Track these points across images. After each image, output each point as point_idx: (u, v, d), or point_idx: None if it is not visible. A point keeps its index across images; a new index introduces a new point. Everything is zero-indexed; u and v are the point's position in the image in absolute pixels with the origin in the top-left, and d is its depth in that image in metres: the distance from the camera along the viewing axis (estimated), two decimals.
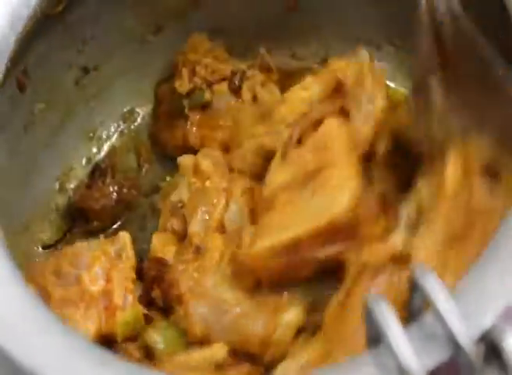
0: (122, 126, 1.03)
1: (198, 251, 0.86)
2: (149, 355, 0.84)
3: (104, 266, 0.85)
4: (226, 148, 0.94)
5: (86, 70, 0.98)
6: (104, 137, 1.03)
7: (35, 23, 0.85)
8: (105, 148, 1.02)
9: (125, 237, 0.88)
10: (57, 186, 0.99)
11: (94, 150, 1.02)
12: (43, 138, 0.96)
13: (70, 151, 1.00)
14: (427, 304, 0.61)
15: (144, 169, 1.01)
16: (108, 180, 0.96)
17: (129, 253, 0.87)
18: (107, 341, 0.84)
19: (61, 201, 0.99)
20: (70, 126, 0.99)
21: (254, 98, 0.95)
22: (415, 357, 0.59)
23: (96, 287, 0.84)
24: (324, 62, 1.03)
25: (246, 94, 0.96)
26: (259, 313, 0.82)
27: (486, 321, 0.61)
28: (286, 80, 0.98)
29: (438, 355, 0.61)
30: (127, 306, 0.84)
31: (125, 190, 0.96)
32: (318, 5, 1.00)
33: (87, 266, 0.84)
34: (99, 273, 0.84)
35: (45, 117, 0.95)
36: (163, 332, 0.85)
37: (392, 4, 0.96)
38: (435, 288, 0.59)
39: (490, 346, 0.59)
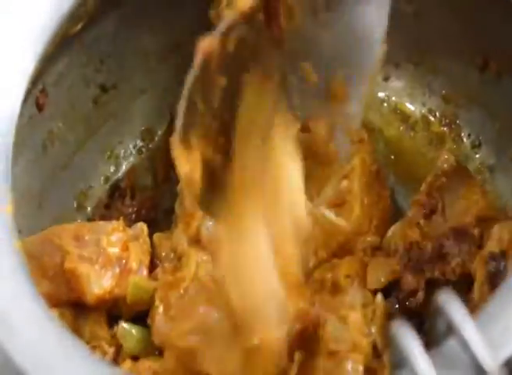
0: (140, 145, 1.03)
1: (179, 260, 0.87)
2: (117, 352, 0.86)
3: (122, 236, 0.87)
4: None
5: (104, 89, 0.98)
6: (122, 155, 1.03)
7: (55, 43, 0.85)
8: (123, 167, 1.02)
9: (142, 226, 0.91)
10: (75, 204, 0.99)
11: (112, 169, 1.02)
12: (61, 157, 0.96)
13: (88, 170, 1.00)
14: (449, 329, 0.61)
15: (161, 188, 1.01)
16: (127, 201, 0.96)
17: (146, 239, 0.90)
18: (114, 306, 0.87)
19: (80, 219, 0.99)
20: (88, 145, 0.99)
21: None
22: None
23: (113, 250, 0.86)
24: None
25: None
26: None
27: (510, 347, 0.61)
28: None
29: None
30: (141, 274, 0.87)
31: (143, 211, 0.97)
32: None
33: (107, 233, 0.87)
34: (117, 240, 0.87)
35: (64, 136, 0.95)
36: (134, 329, 0.86)
37: (411, 21, 0.96)
38: (459, 314, 0.59)
39: None
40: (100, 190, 1.01)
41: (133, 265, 0.87)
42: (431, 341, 0.63)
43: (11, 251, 0.73)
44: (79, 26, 0.89)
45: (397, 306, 0.83)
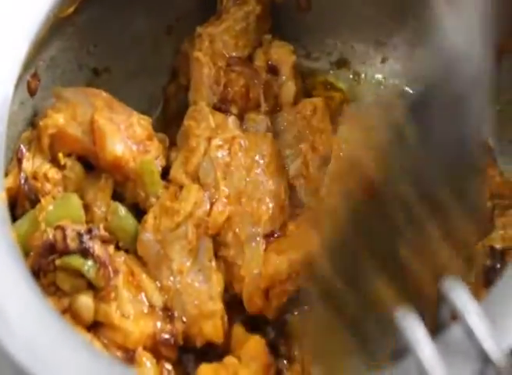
0: None
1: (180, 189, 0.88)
2: None
3: (149, 127, 0.90)
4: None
5: (97, 72, 0.97)
6: None
7: (47, 27, 0.84)
8: None
9: (166, 137, 0.94)
10: None
11: None
12: None
13: None
14: (454, 317, 0.61)
15: None
16: None
17: (165, 151, 0.92)
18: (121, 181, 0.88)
19: None
20: None
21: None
22: (444, 371, 0.58)
23: (139, 130, 0.89)
24: (339, 62, 1.03)
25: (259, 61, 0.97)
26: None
27: None
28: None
29: (467, 369, 0.60)
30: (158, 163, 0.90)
31: None
32: (333, 6, 0.99)
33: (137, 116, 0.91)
34: (145, 126, 0.90)
35: None
36: (125, 213, 0.88)
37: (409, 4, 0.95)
38: (464, 302, 0.59)
39: None
40: None
41: (152, 152, 0.89)
42: (436, 328, 0.62)
43: (5, 239, 0.72)
44: (71, 9, 0.88)
45: None
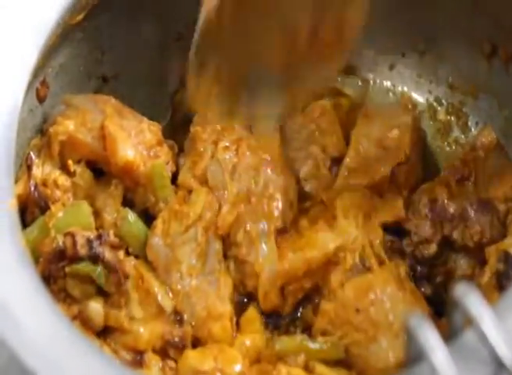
0: None
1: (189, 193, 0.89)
2: None
3: (158, 132, 0.92)
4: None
5: (105, 79, 0.97)
6: None
7: (56, 34, 0.84)
8: None
9: (175, 144, 0.94)
10: None
11: None
12: None
13: None
14: (467, 322, 0.61)
15: None
16: None
17: (174, 157, 0.93)
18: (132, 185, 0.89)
19: None
20: None
21: None
22: None
23: (149, 136, 0.90)
24: (347, 69, 1.03)
25: None
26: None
27: None
28: None
29: (480, 374, 0.60)
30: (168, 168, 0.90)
31: None
32: None
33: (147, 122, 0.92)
34: (155, 132, 0.91)
35: None
36: (134, 218, 0.88)
37: (416, 9, 0.95)
38: (478, 307, 0.58)
39: None
40: None
41: (162, 158, 0.90)
42: (449, 334, 0.62)
43: (15, 246, 0.72)
44: (80, 16, 0.88)
45: (410, 250, 0.86)
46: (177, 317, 0.84)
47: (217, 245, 0.86)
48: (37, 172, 0.86)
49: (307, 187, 0.92)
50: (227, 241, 0.87)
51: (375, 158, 0.91)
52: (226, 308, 0.84)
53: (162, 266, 0.85)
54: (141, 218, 0.89)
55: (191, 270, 0.85)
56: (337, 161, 0.93)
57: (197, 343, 0.84)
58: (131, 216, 0.88)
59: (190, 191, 0.89)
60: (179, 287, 0.84)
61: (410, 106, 0.96)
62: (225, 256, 0.87)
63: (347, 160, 0.92)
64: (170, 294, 0.84)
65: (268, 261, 0.85)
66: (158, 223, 0.86)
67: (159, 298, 0.83)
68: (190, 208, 0.87)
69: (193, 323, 0.83)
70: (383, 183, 0.90)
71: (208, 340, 0.83)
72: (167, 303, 0.83)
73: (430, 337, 0.59)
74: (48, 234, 0.83)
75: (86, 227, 0.84)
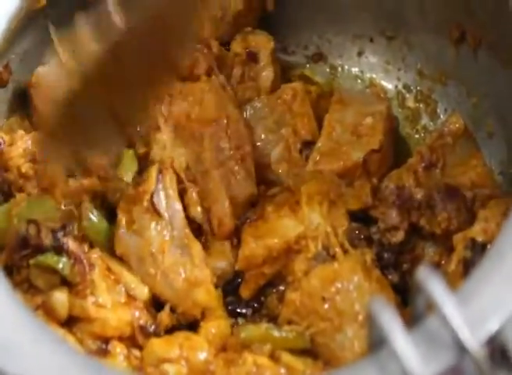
0: None
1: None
2: None
3: None
4: None
5: None
6: None
7: (19, 19, 0.83)
8: None
9: None
10: None
11: None
12: None
13: None
14: (430, 306, 0.60)
15: None
16: None
17: None
18: None
19: None
20: None
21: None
22: (420, 362, 0.58)
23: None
24: (315, 56, 1.03)
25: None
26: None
27: (493, 325, 0.60)
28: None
29: (443, 360, 0.59)
30: None
31: None
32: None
33: None
34: None
35: None
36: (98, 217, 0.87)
37: None
38: (440, 292, 0.58)
39: (498, 349, 0.58)
40: None
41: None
42: (413, 319, 0.62)
43: None
44: (44, 1, 0.87)
45: (377, 237, 0.85)
46: (153, 303, 0.83)
47: (177, 205, 0.86)
48: None
49: (279, 170, 0.92)
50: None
51: (347, 144, 0.91)
52: (205, 272, 0.84)
53: (134, 255, 0.84)
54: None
55: (162, 246, 0.84)
56: (309, 145, 0.92)
57: (186, 317, 0.84)
58: (94, 214, 0.86)
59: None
60: (153, 270, 0.83)
61: (382, 95, 0.96)
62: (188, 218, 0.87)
63: (319, 144, 0.91)
64: (145, 282, 0.84)
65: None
66: (120, 216, 0.85)
67: (132, 286, 0.82)
68: (145, 186, 0.86)
69: (175, 303, 0.83)
70: (355, 170, 0.90)
71: (195, 309, 0.83)
72: (141, 291, 0.83)
73: (391, 322, 0.58)
74: (11, 223, 0.81)
75: (50, 220, 0.83)
